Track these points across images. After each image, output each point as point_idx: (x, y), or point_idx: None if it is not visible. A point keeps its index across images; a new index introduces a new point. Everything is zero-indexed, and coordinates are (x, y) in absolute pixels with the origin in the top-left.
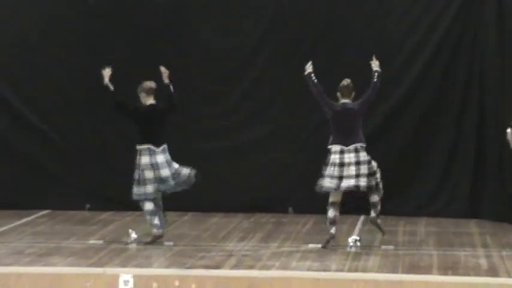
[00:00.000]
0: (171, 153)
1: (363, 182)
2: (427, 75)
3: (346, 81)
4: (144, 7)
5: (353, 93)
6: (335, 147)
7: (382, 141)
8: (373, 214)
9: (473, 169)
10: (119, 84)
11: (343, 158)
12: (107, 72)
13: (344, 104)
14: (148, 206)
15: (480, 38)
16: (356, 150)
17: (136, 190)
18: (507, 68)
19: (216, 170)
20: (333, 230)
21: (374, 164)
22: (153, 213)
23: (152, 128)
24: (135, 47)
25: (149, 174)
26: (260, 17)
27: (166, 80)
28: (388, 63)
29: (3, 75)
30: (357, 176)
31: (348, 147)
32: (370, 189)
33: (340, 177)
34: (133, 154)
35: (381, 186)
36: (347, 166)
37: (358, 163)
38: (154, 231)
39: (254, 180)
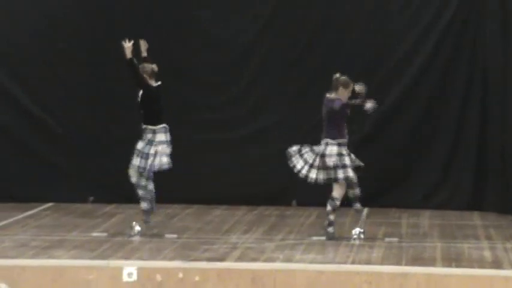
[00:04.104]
0: (172, 144)
1: None
2: (428, 69)
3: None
4: (144, 4)
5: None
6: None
7: (385, 133)
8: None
9: (476, 161)
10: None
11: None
12: (128, 46)
13: None
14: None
15: (482, 31)
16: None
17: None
18: (510, 61)
19: (219, 163)
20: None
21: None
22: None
23: (162, 108)
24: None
25: (167, 149)
26: (260, 9)
27: (144, 54)
28: (389, 57)
29: (6, 69)
30: None
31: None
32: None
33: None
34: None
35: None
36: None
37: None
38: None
39: (257, 172)
